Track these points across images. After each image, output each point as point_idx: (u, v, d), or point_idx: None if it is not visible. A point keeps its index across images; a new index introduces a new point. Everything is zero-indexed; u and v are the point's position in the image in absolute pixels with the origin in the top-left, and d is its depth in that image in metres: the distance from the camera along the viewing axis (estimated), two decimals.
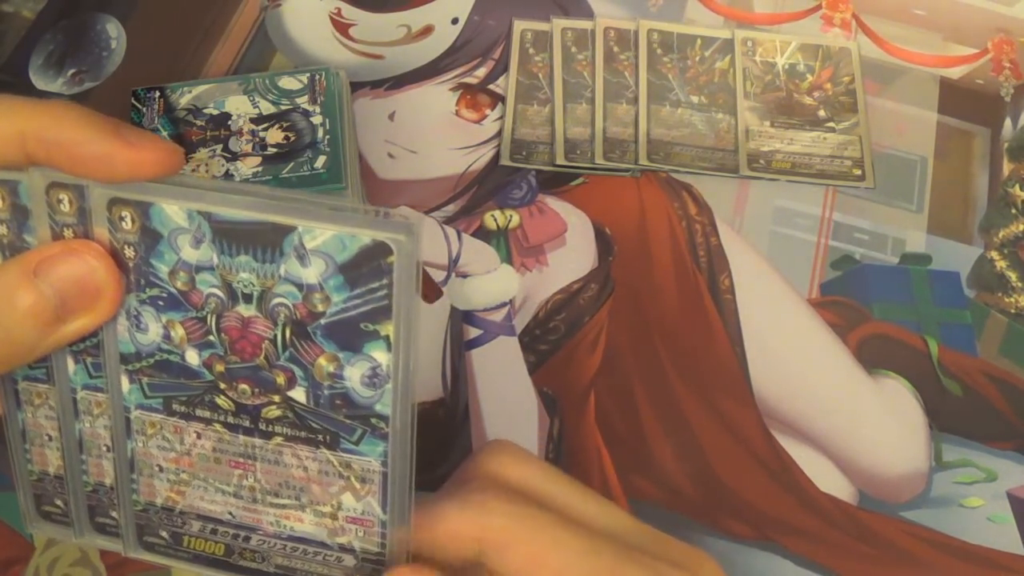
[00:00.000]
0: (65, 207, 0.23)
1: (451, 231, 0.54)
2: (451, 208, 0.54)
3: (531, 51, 0.59)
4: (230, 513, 0.26)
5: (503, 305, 0.51)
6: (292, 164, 0.48)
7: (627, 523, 0.27)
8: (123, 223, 0.23)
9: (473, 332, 0.51)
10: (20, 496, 0.27)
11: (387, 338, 0.23)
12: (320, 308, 0.23)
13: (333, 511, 0.26)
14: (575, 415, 0.49)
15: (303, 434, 0.25)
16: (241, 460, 0.26)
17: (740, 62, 0.59)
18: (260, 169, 0.48)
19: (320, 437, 0.25)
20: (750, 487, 0.48)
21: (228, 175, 0.48)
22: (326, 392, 0.24)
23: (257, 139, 0.49)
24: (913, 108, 0.60)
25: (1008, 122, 0.60)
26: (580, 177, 0.56)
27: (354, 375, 0.24)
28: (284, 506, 0.26)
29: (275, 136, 0.49)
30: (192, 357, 0.24)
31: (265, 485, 0.26)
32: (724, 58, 0.59)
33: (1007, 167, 0.58)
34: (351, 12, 0.61)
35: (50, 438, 0.26)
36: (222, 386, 0.25)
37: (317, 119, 0.49)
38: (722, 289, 0.53)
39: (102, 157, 0.22)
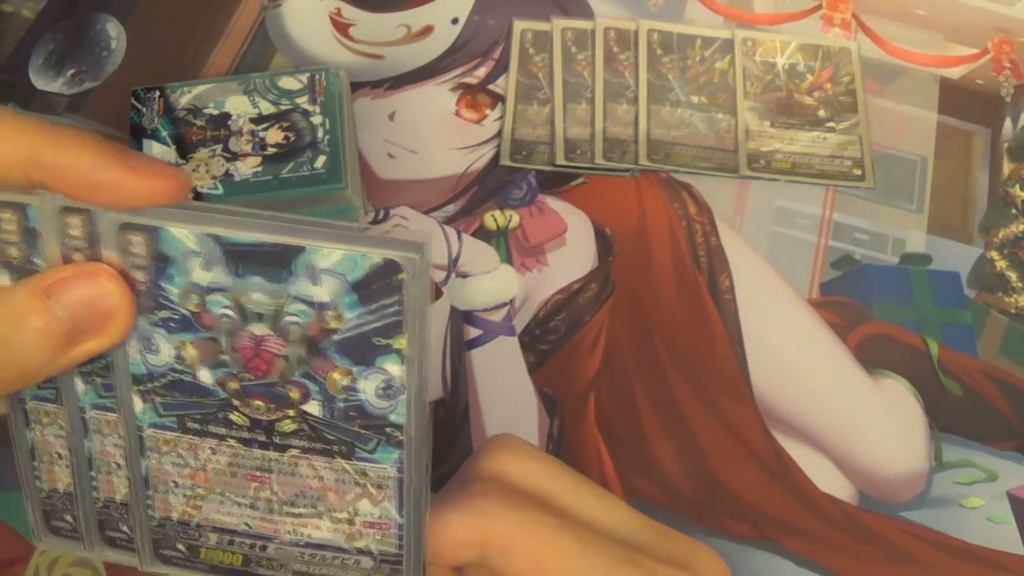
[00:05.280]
0: (75, 231, 0.23)
1: (451, 231, 0.54)
2: (451, 208, 0.54)
3: (531, 51, 0.59)
4: (246, 524, 0.26)
5: (503, 305, 0.51)
6: (292, 164, 0.48)
7: (630, 520, 0.27)
8: (133, 247, 0.23)
9: (473, 332, 0.51)
10: (29, 512, 0.27)
11: (400, 351, 0.23)
12: (333, 325, 0.23)
13: (350, 517, 0.26)
14: (575, 415, 0.49)
15: (318, 445, 0.25)
16: (257, 473, 0.26)
17: (740, 62, 0.59)
18: (260, 169, 0.48)
19: (335, 448, 0.25)
20: (750, 487, 0.48)
21: (228, 175, 0.48)
22: (340, 405, 0.24)
23: (257, 139, 0.49)
24: (913, 108, 0.60)
25: (1008, 122, 0.60)
26: (580, 177, 0.56)
27: (368, 388, 0.24)
28: (301, 515, 0.26)
29: (275, 136, 0.49)
30: (205, 376, 0.25)
31: (281, 496, 0.26)
32: (724, 58, 0.59)
33: (1007, 167, 0.58)
34: (351, 12, 0.61)
35: (59, 456, 0.26)
36: (236, 403, 0.25)
37: (317, 119, 0.49)
38: (722, 289, 0.53)
39: (109, 186, 0.22)
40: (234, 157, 0.48)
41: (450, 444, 0.48)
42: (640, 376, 0.50)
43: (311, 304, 0.23)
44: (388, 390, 0.24)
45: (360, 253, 0.22)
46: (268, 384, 0.24)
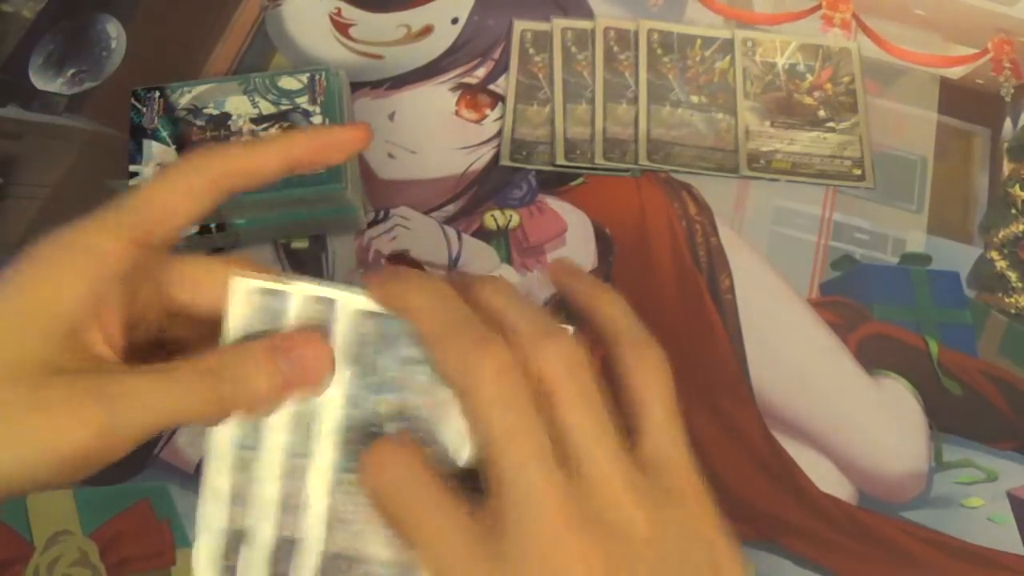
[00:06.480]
0: (314, 315, 0.30)
1: (451, 231, 0.54)
2: (451, 208, 0.54)
3: (531, 51, 0.59)
4: (398, 556, 0.30)
5: None
6: None
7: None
8: (362, 328, 0.30)
9: None
10: (201, 550, 0.30)
11: None
12: None
13: None
14: None
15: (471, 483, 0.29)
16: None
17: (740, 62, 0.59)
18: None
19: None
20: (750, 487, 0.48)
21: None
22: None
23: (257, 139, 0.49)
24: (913, 108, 0.60)
25: (1008, 122, 0.60)
26: (580, 177, 0.56)
27: None
28: None
29: None
30: (390, 428, 0.30)
31: None
32: (724, 58, 0.59)
33: (1007, 167, 0.58)
34: (351, 12, 0.61)
35: (248, 497, 0.30)
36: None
37: (317, 119, 0.49)
38: (722, 289, 0.53)
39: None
40: None
41: None
42: None
43: None
44: None
45: None
46: (442, 434, 0.29)
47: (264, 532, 0.30)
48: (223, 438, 0.30)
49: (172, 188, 0.30)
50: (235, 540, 0.30)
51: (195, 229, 0.49)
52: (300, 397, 0.30)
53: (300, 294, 0.30)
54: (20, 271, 0.27)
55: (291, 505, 0.30)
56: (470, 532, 0.25)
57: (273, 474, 0.30)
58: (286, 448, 0.30)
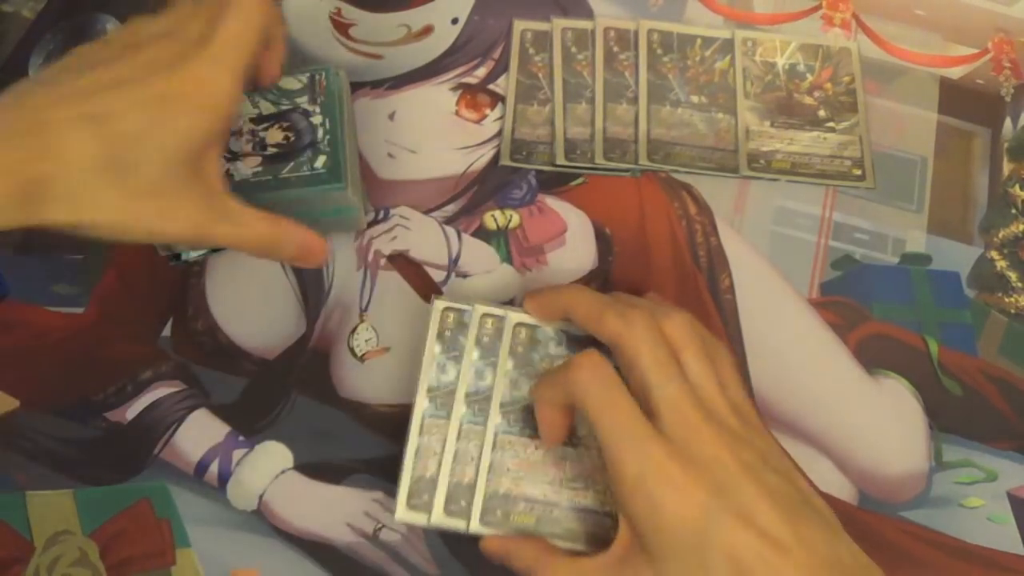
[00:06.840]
0: (450, 322, 0.44)
1: (451, 231, 0.54)
2: (451, 208, 0.54)
3: (531, 51, 0.59)
4: (544, 495, 0.41)
5: (503, 305, 0.51)
6: (292, 164, 0.48)
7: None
8: (520, 336, 0.43)
9: None
10: (400, 492, 0.42)
11: None
12: None
13: (604, 488, 0.42)
14: None
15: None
16: (559, 461, 0.42)
17: (740, 62, 0.59)
18: (260, 169, 0.48)
19: None
20: None
21: (228, 175, 0.48)
22: None
23: (257, 139, 0.49)
24: (913, 108, 0.60)
25: (1008, 122, 0.60)
26: (580, 177, 0.56)
27: None
28: (578, 488, 0.41)
29: (275, 136, 0.49)
30: None
31: (570, 475, 0.41)
32: (724, 58, 0.59)
33: (1007, 167, 0.58)
34: (351, 12, 0.61)
35: (435, 452, 0.42)
36: None
37: (317, 119, 0.49)
38: (722, 289, 0.53)
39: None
40: (234, 157, 0.48)
41: None
42: None
43: None
44: None
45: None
46: None
47: (444, 478, 0.42)
48: (418, 411, 0.42)
49: (252, 28, 0.39)
50: (425, 485, 0.42)
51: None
52: (303, 266, 0.47)
53: (480, 311, 0.43)
54: (166, 102, 0.37)
55: (465, 458, 0.42)
56: (640, 416, 0.36)
57: (453, 436, 0.42)
58: (464, 417, 0.42)
